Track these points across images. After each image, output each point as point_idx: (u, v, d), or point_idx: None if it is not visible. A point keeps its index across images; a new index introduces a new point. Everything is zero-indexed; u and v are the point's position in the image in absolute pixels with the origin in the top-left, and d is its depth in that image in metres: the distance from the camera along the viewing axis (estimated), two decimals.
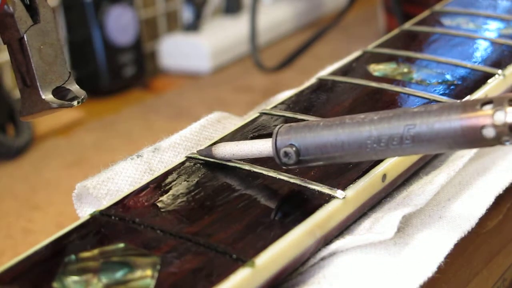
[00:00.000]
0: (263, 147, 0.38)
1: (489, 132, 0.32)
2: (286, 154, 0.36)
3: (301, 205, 0.37)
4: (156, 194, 0.38)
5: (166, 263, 0.32)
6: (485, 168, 0.44)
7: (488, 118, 0.31)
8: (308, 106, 0.47)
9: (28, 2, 0.41)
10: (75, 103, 0.42)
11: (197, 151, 0.41)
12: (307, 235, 0.35)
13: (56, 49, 0.42)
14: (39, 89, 0.41)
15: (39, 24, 0.41)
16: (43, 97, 0.41)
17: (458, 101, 0.38)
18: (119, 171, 0.41)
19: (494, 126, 0.31)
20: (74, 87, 0.42)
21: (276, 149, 0.37)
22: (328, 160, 0.36)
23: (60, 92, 0.42)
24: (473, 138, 0.32)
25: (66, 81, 0.42)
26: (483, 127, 0.32)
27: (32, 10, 0.41)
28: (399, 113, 0.34)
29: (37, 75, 0.41)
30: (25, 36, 0.40)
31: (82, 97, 0.42)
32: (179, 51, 1.21)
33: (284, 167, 0.37)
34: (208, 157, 0.40)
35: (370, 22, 1.29)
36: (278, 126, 0.37)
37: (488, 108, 0.32)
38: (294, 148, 0.36)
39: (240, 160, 0.40)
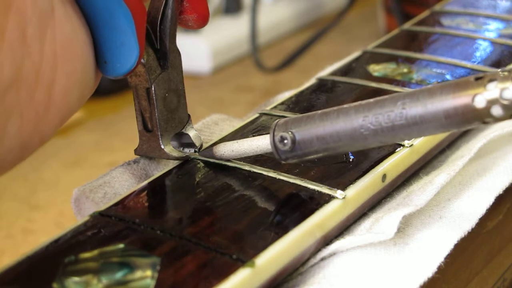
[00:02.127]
0: (262, 141, 0.38)
1: (480, 102, 0.32)
2: (282, 139, 0.36)
3: (301, 205, 0.37)
4: (156, 194, 0.38)
5: (166, 263, 0.32)
6: (485, 168, 0.44)
7: (480, 88, 0.32)
8: (308, 106, 0.47)
9: (158, 47, 0.39)
10: (191, 151, 0.41)
11: (198, 152, 0.41)
12: (307, 235, 0.35)
13: (179, 95, 0.41)
14: (159, 138, 0.40)
15: (167, 70, 0.40)
16: (162, 146, 0.40)
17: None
18: (116, 175, 0.41)
19: (485, 95, 0.32)
20: (192, 133, 0.42)
21: (274, 139, 0.37)
22: (326, 149, 0.36)
23: (177, 136, 0.41)
24: (464, 110, 0.32)
25: (185, 125, 0.41)
26: (474, 96, 0.32)
27: (161, 55, 0.40)
28: (394, 95, 0.35)
29: (159, 124, 0.40)
30: (153, 86, 0.39)
31: (199, 145, 0.41)
32: None
33: (283, 161, 0.37)
34: (209, 157, 0.40)
35: (370, 22, 1.29)
36: (277, 120, 0.37)
37: (480, 81, 0.32)
38: (290, 134, 0.36)
39: (240, 160, 0.40)
